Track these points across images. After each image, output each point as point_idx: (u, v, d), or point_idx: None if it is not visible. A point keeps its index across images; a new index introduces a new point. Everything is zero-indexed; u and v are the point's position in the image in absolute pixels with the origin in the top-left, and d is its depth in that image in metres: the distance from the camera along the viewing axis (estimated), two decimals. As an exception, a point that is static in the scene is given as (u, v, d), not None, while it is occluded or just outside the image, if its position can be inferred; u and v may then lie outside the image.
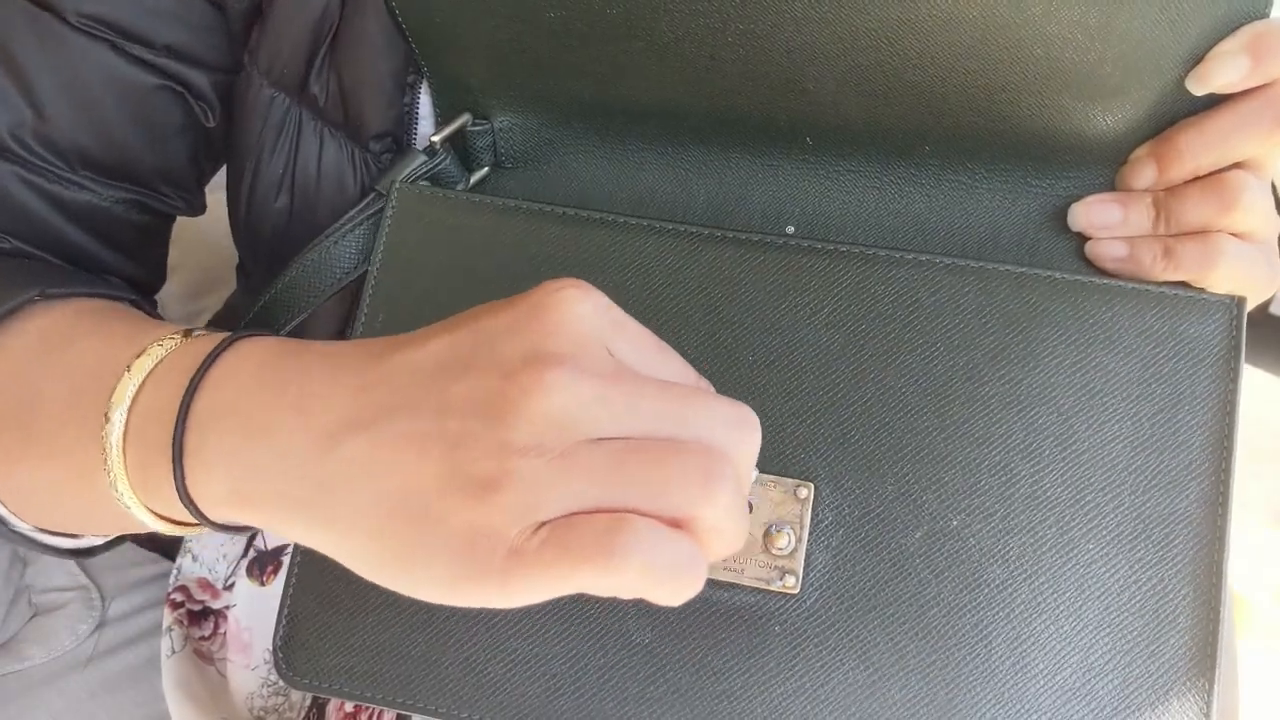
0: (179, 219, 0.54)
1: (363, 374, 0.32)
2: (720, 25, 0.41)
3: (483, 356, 0.30)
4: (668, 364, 0.33)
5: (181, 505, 0.35)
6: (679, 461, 0.29)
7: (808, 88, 0.42)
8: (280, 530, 0.33)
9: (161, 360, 0.37)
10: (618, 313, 0.32)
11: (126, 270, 0.50)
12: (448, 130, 0.46)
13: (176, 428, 0.34)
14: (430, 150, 0.46)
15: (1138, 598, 0.39)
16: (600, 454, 0.29)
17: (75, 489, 0.39)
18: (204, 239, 0.68)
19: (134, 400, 0.36)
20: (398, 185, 0.46)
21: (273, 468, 0.32)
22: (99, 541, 0.46)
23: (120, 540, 0.46)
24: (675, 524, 0.30)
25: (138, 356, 0.37)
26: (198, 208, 0.53)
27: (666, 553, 0.29)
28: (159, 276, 0.54)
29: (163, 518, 0.37)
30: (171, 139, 0.49)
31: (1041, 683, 0.38)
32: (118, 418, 0.36)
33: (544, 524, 0.29)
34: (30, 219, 0.47)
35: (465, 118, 0.46)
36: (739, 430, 0.31)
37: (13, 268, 0.45)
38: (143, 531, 0.39)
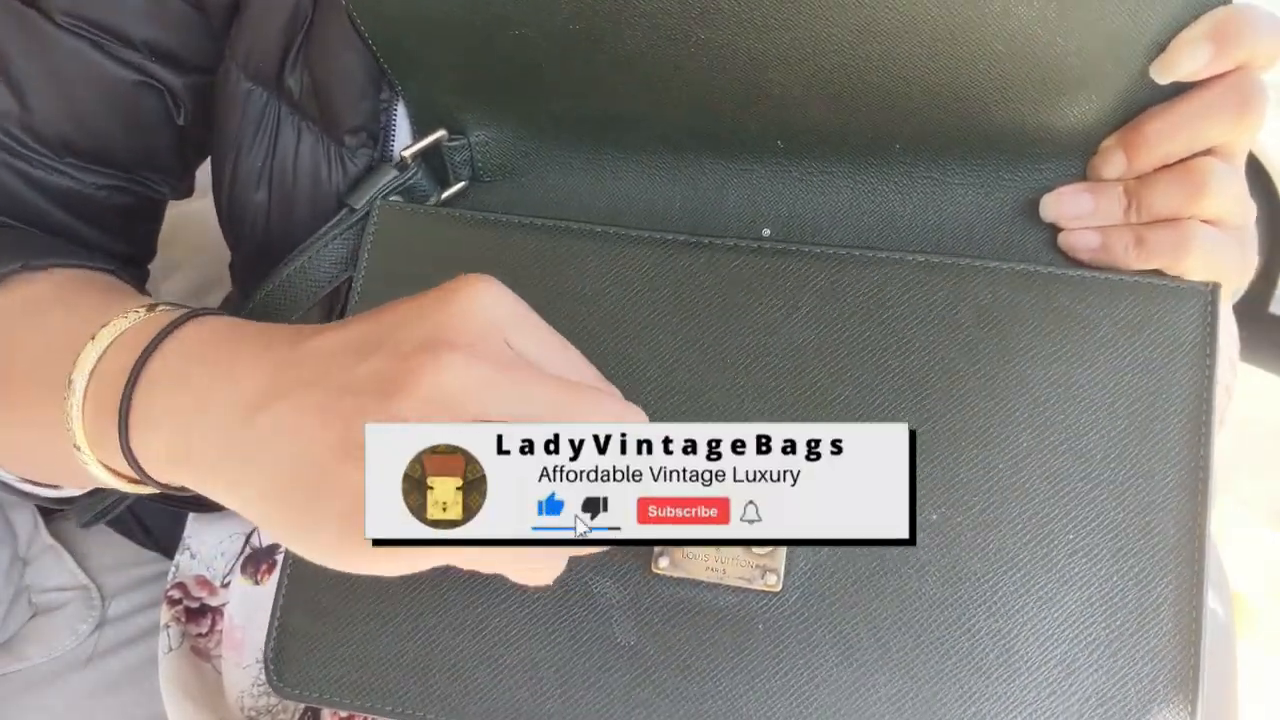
0: (183, 220, 0.56)
1: (288, 352, 0.35)
2: (682, 35, 0.41)
3: (388, 340, 0.33)
4: (569, 362, 0.35)
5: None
6: None
7: (773, 93, 0.42)
8: (207, 490, 0.35)
9: (124, 331, 0.39)
10: (522, 308, 0.34)
11: (111, 247, 0.52)
12: (419, 146, 0.47)
13: (126, 390, 0.37)
14: (401, 165, 0.47)
15: (1120, 587, 0.38)
16: None
17: (45, 444, 0.42)
18: (205, 240, 0.68)
19: (95, 366, 0.39)
20: (378, 204, 0.46)
21: (203, 429, 0.35)
22: (78, 492, 0.48)
23: (97, 493, 0.49)
24: None
25: (103, 327, 0.40)
26: (183, 192, 0.56)
27: None
28: (146, 251, 0.56)
29: (115, 473, 0.40)
30: (153, 131, 0.51)
31: (1026, 675, 0.38)
32: (79, 381, 0.39)
33: None
34: (15, 200, 0.50)
35: (440, 133, 0.47)
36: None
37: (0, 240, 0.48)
38: (107, 487, 0.41)
